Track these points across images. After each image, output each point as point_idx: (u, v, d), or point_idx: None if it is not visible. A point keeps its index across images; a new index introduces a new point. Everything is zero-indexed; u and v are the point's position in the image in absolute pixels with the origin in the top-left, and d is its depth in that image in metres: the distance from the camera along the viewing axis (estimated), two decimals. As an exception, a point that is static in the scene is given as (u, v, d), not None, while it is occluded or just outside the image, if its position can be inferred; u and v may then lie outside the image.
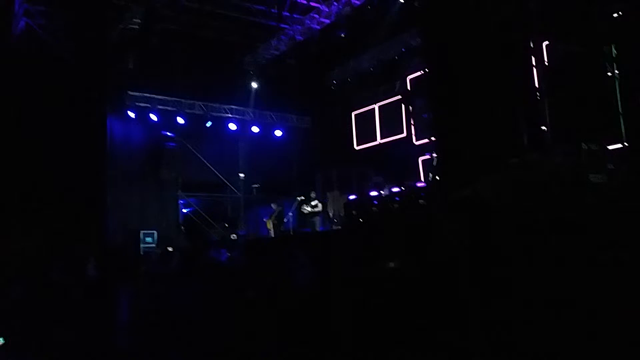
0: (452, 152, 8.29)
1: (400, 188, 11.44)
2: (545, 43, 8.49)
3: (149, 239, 15.21)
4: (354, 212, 12.04)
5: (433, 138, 9.03)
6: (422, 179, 14.40)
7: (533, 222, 5.49)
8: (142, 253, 14.64)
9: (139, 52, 14.88)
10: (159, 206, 16.44)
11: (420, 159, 15.32)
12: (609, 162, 6.79)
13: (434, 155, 9.18)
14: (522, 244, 5.36)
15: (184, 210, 17.19)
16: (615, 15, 7.54)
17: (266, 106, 18.47)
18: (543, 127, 7.88)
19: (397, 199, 10.91)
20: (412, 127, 16.16)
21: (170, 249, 13.75)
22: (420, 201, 9.96)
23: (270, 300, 5.94)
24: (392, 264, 5.87)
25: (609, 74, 7.54)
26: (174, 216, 16.84)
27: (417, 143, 15.82)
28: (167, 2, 13.79)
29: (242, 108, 18.18)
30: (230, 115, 17.98)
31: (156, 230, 15.42)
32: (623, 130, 7.23)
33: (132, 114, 16.06)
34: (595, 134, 7.16)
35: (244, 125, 18.38)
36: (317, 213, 14.58)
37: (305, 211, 14.62)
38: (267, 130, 18.89)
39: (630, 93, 7.37)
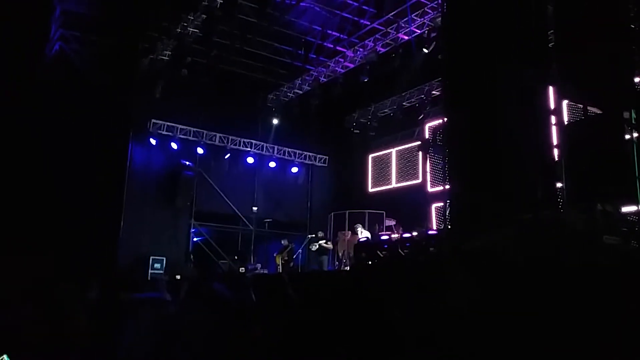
0: (465, 202, 8.32)
1: (411, 234, 11.43)
2: (565, 102, 8.58)
3: (157, 265, 15.25)
4: (363, 254, 12.03)
5: (447, 186, 9.06)
6: (434, 226, 14.37)
7: (544, 279, 5.46)
8: (149, 279, 14.67)
9: (166, 82, 15.27)
10: (171, 233, 16.55)
11: (434, 206, 15.33)
12: (623, 224, 6.76)
13: (447, 203, 9.22)
14: (532, 299, 5.31)
15: (195, 239, 17.25)
16: (637, 81, 7.62)
17: (285, 143, 18.74)
18: (559, 185, 7.88)
19: (407, 244, 10.90)
20: (428, 174, 16.24)
21: (178, 277, 13.77)
22: (431, 249, 9.94)
23: (276, 338, 5.92)
24: (397, 312, 5.84)
25: (628, 137, 7.56)
26: (184, 244, 16.92)
27: (431, 190, 15.87)
28: (198, 37, 14.19)
29: (261, 143, 18.44)
30: (249, 148, 18.23)
31: (165, 257, 15.49)
32: (639, 194, 7.20)
33: (153, 141, 16.38)
34: (610, 195, 7.14)
35: (261, 160, 18.60)
36: (325, 252, 14.66)
37: (314, 248, 14.77)
38: (284, 166, 19.10)
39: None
